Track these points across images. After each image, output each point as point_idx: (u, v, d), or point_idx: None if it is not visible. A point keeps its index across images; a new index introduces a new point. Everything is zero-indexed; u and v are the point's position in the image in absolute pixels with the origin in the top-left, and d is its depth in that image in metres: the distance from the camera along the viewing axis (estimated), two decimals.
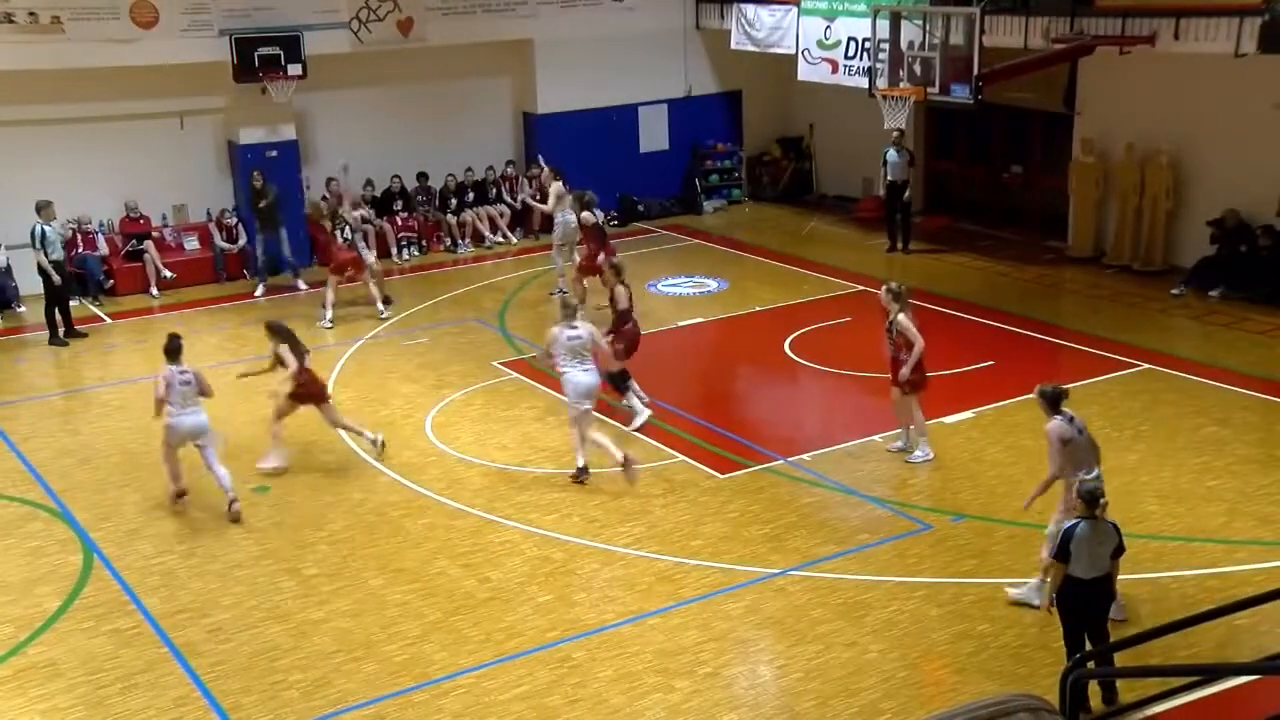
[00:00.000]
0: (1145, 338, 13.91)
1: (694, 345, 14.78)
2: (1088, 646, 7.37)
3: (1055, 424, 8.12)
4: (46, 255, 15.03)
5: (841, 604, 8.76)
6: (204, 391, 10.47)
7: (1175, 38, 14.13)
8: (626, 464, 10.45)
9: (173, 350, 10.50)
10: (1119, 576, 7.59)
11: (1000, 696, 4.81)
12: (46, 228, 15.10)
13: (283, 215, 17.12)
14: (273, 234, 17.17)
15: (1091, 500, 7.30)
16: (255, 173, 17.04)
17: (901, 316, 10.71)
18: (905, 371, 10.69)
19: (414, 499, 10.68)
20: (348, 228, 15.53)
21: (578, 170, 18.07)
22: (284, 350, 11.22)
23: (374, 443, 11.42)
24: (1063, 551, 7.26)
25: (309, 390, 11.29)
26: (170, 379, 10.29)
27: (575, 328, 10.79)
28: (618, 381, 11.94)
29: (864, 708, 7.59)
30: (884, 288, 10.95)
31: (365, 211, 17.55)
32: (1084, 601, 7.34)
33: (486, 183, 19.53)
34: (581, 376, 10.72)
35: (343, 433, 11.60)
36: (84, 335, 15.43)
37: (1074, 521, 7.31)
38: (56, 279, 15.08)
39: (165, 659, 8.41)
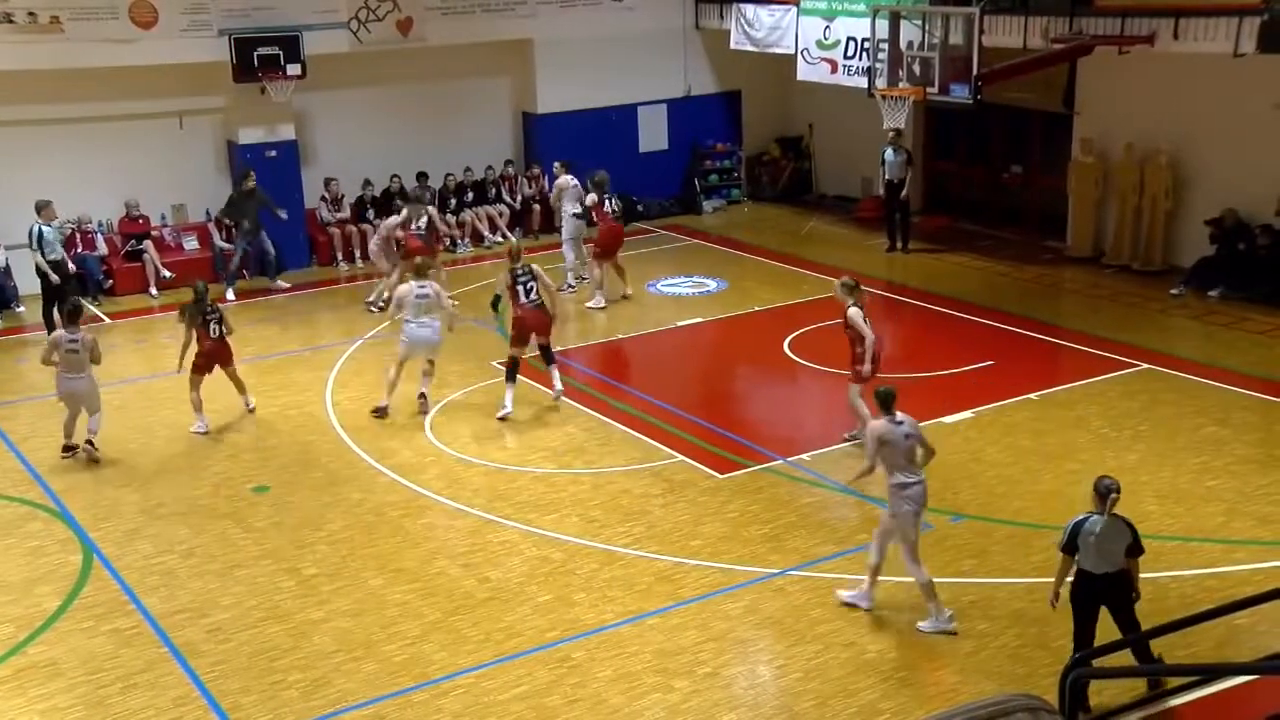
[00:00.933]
0: (1144, 337, 13.92)
1: (693, 345, 14.78)
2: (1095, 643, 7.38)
3: (878, 423, 8.44)
4: (44, 255, 15.04)
5: (841, 604, 8.76)
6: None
7: (1174, 38, 14.13)
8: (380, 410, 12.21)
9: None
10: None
11: (999, 696, 4.81)
12: (45, 228, 15.10)
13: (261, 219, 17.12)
14: (254, 235, 17.12)
15: (1104, 495, 7.33)
16: (250, 173, 17.05)
17: (853, 310, 10.80)
18: (866, 367, 10.80)
19: (413, 499, 10.68)
20: (425, 219, 15.78)
21: (579, 170, 18.09)
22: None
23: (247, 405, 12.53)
24: (1070, 544, 7.32)
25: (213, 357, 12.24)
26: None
27: (424, 287, 12.24)
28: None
29: (863, 708, 7.60)
30: (838, 281, 11.09)
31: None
32: (1094, 596, 7.34)
33: (486, 183, 19.53)
34: (419, 331, 12.21)
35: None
36: None
37: (1084, 515, 7.35)
38: (54, 278, 15.07)
39: (165, 659, 8.41)
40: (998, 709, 4.49)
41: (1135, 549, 7.39)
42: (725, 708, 7.66)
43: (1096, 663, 7.17)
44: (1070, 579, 7.47)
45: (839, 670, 7.98)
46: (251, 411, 12.61)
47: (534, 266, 12.28)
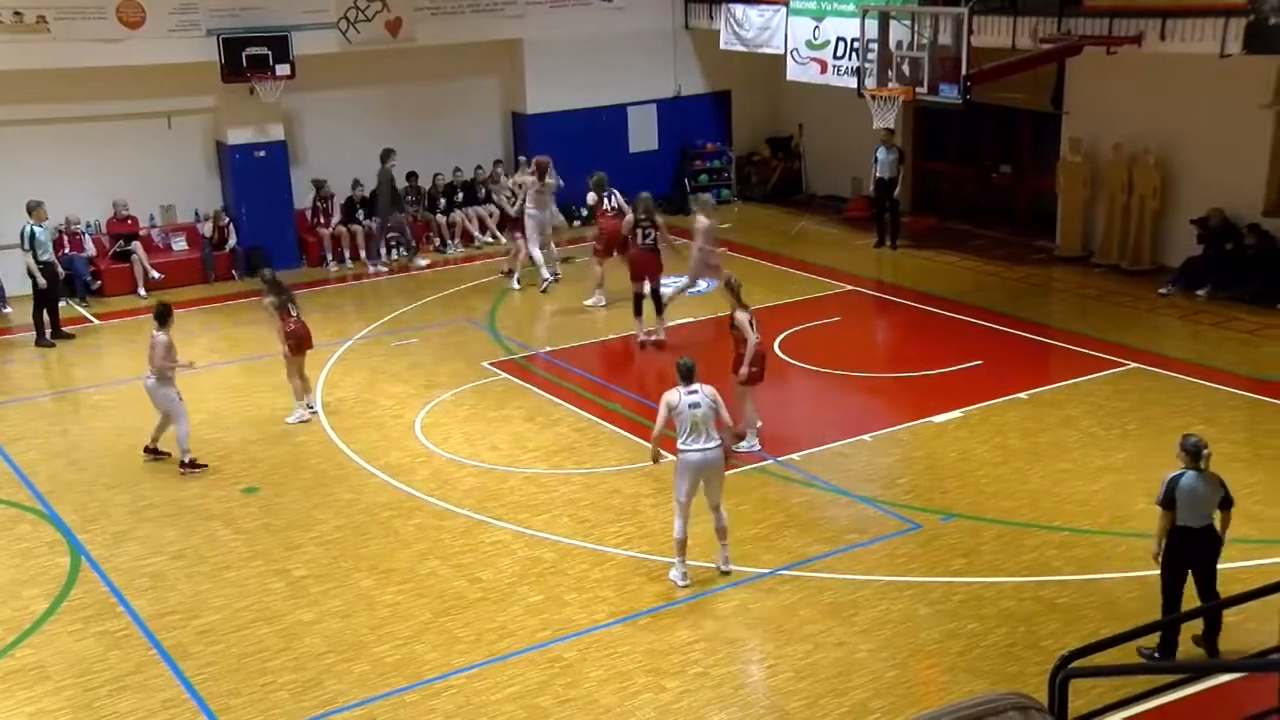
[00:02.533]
0: (1133, 337, 13.97)
1: (684, 345, 14.76)
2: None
3: (670, 391, 9.11)
4: (36, 257, 14.98)
5: (831, 603, 8.78)
6: None
7: (1161, 38, 14.18)
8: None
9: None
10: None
11: (989, 695, 4.81)
12: (37, 229, 15.05)
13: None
14: (393, 212, 17.90)
15: (1195, 453, 7.65)
16: (390, 152, 17.74)
17: (739, 313, 11.00)
18: (743, 370, 10.95)
19: (404, 500, 10.67)
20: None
21: (569, 170, 18.07)
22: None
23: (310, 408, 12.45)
24: (1169, 498, 7.65)
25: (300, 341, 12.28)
26: None
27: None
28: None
29: (853, 707, 7.61)
30: (720, 282, 11.65)
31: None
32: (1188, 552, 7.66)
33: (475, 183, 19.51)
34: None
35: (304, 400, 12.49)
36: (71, 337, 15.38)
37: (1179, 472, 7.63)
38: (42, 282, 15.02)
39: (154, 661, 8.38)
40: (988, 708, 4.49)
41: (1227, 501, 7.76)
42: (716, 707, 7.67)
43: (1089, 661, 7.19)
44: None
45: (829, 670, 8.00)
46: (312, 413, 12.42)
47: (658, 219, 14.15)
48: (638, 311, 14.33)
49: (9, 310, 16.56)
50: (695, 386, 9.02)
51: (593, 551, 9.64)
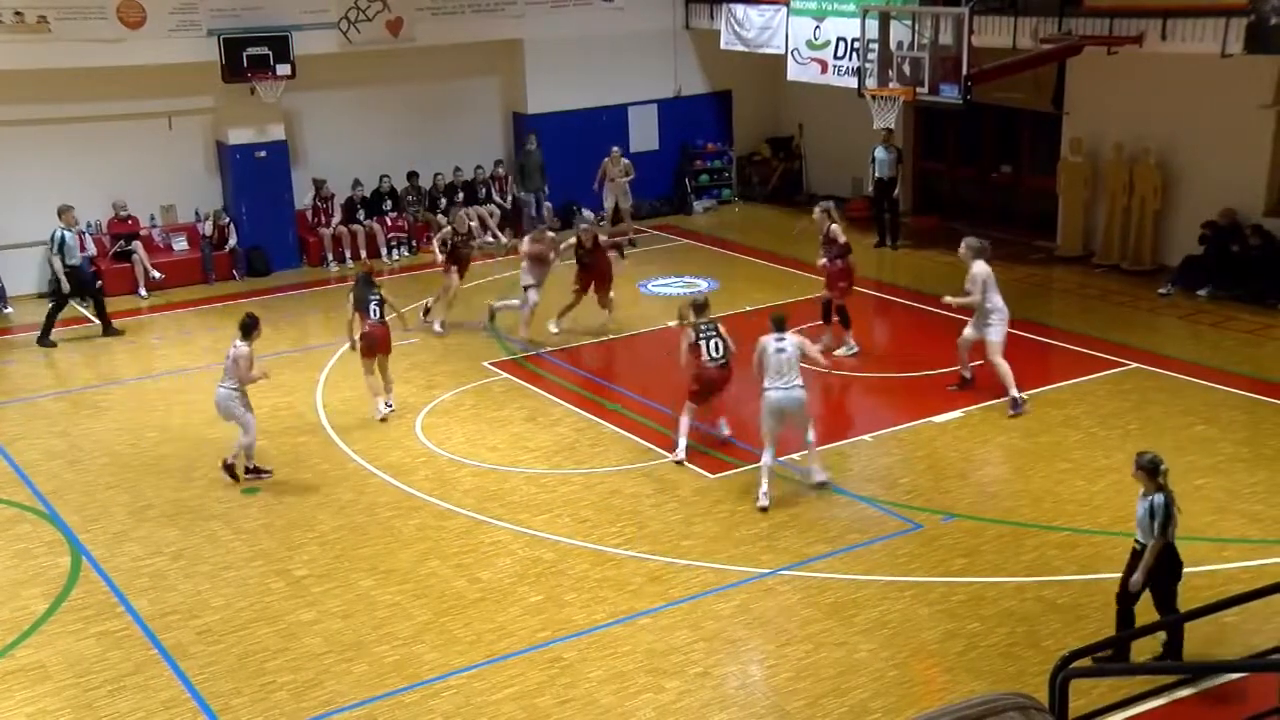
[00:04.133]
0: (1134, 337, 13.96)
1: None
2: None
3: (764, 337, 10.19)
4: (64, 260, 15.07)
5: (831, 603, 8.77)
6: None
7: (1162, 38, 14.18)
8: None
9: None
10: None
11: (990, 695, 4.79)
12: (66, 232, 15.13)
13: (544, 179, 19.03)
14: (539, 189, 18.98)
15: (1153, 470, 7.58)
16: (532, 135, 18.81)
17: (690, 330, 11.10)
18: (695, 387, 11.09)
19: (404, 499, 10.66)
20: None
21: (567, 170, 18.11)
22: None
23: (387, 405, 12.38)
24: (1168, 521, 7.56)
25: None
26: None
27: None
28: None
29: (854, 707, 7.61)
30: (680, 305, 11.73)
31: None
32: (1176, 563, 7.64)
33: (476, 183, 19.52)
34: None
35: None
36: (120, 332, 15.48)
37: (1161, 495, 7.57)
38: (66, 286, 15.12)
39: (154, 661, 8.38)
40: (988, 708, 4.48)
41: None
42: (716, 708, 7.66)
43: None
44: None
45: (830, 670, 7.99)
46: (390, 411, 12.36)
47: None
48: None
49: (10, 310, 16.56)
50: (784, 335, 10.21)
51: (593, 551, 9.64)
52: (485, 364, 13.94)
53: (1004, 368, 11.84)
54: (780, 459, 11.10)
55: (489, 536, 9.94)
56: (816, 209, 13.72)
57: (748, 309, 15.64)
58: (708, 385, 10.98)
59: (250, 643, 8.55)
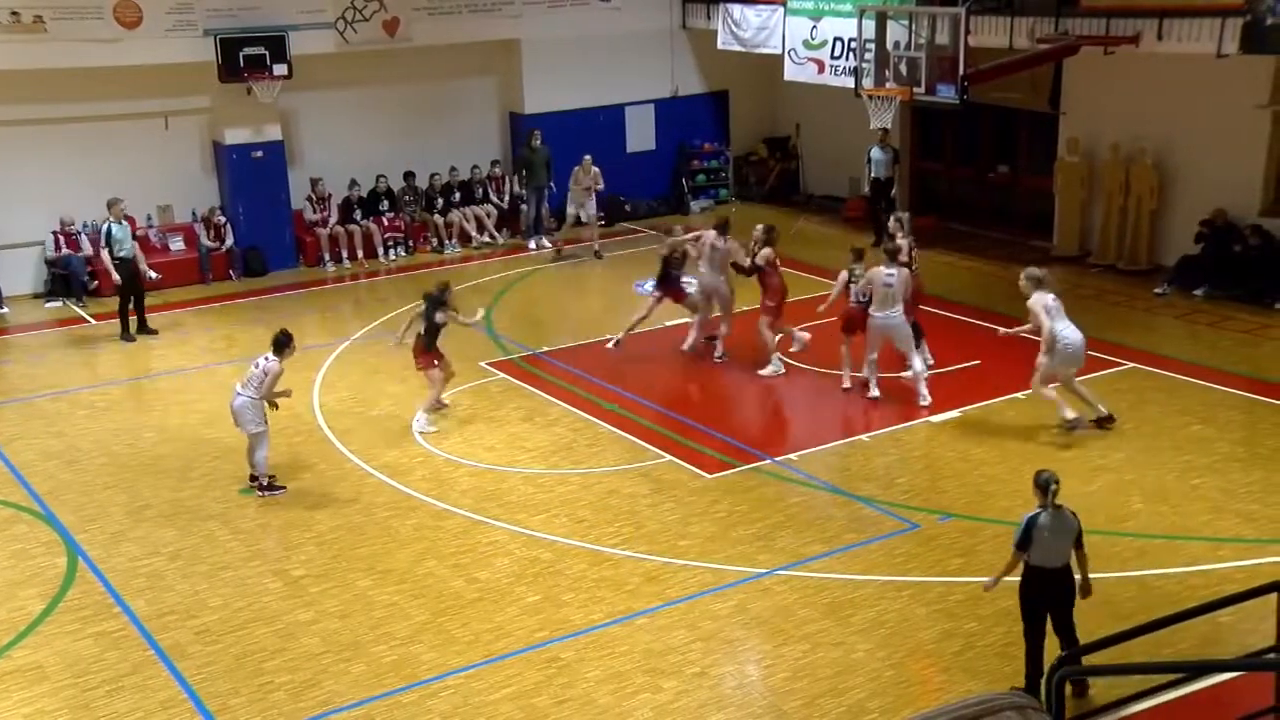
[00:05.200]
0: (1130, 336, 13.98)
1: (681, 345, 14.76)
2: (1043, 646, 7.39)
3: (875, 268, 12.00)
4: (113, 253, 15.04)
5: (828, 603, 8.78)
6: None
7: (1159, 38, 14.20)
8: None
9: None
10: (1091, 572, 7.61)
11: (987, 695, 4.82)
12: (114, 225, 15.09)
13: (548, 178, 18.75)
14: (543, 186, 18.69)
15: (1044, 487, 7.36)
16: (535, 131, 18.51)
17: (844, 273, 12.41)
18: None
19: (401, 500, 10.67)
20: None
21: (565, 171, 18.10)
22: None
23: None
24: (1024, 539, 7.31)
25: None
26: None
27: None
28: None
29: (851, 707, 7.62)
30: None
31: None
32: (1044, 593, 7.37)
33: (473, 183, 19.51)
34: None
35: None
36: (154, 332, 15.45)
37: (1035, 511, 7.35)
38: (116, 278, 15.08)
39: (152, 661, 8.38)
40: (985, 707, 4.50)
41: (1079, 540, 7.42)
42: (714, 707, 7.67)
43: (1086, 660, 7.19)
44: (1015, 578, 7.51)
45: (827, 669, 8.00)
46: (427, 421, 12.11)
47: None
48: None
49: (6, 310, 16.55)
50: (893, 269, 11.84)
51: (590, 551, 9.64)
52: (482, 364, 13.94)
53: (1049, 395, 11.40)
54: (778, 459, 11.14)
55: (486, 536, 9.95)
56: (891, 219, 13.95)
57: (743, 309, 15.63)
58: (850, 321, 12.71)
59: (248, 643, 8.55)
